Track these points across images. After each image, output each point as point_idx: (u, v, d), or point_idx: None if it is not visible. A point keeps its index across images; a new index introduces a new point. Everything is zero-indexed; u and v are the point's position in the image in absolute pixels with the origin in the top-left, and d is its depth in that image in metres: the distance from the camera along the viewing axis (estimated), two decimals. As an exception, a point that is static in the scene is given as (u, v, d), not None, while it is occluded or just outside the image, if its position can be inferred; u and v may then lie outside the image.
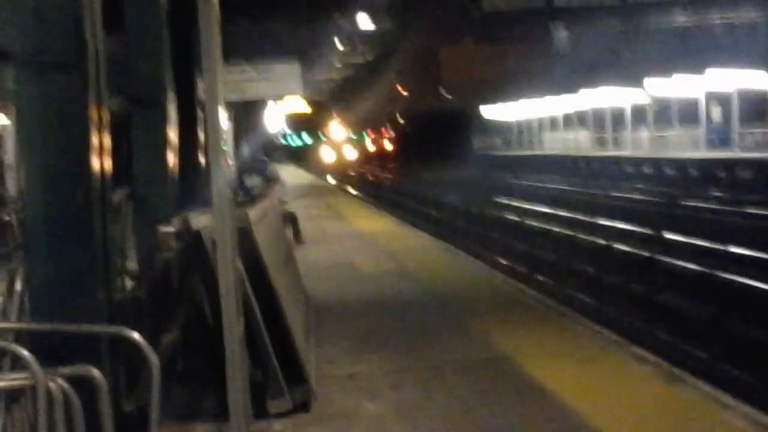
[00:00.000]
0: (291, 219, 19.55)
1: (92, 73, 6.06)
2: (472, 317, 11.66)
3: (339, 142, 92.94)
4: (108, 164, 6.27)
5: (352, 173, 71.68)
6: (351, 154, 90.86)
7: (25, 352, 4.93)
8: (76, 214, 5.90)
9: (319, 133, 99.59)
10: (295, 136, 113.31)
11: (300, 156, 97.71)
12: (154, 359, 5.26)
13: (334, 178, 64.85)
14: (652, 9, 45.06)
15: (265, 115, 35.95)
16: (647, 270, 18.88)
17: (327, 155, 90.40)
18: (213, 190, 5.74)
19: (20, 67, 6.02)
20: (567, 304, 13.94)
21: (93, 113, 6.05)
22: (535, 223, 28.61)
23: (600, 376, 8.67)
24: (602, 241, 22.76)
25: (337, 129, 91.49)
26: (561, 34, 40.62)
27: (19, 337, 5.48)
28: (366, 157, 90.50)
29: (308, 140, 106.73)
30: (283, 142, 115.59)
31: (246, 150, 31.06)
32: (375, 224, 25.17)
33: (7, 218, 8.46)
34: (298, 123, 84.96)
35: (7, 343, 5.23)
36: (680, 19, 43.88)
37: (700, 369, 11.14)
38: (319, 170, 72.42)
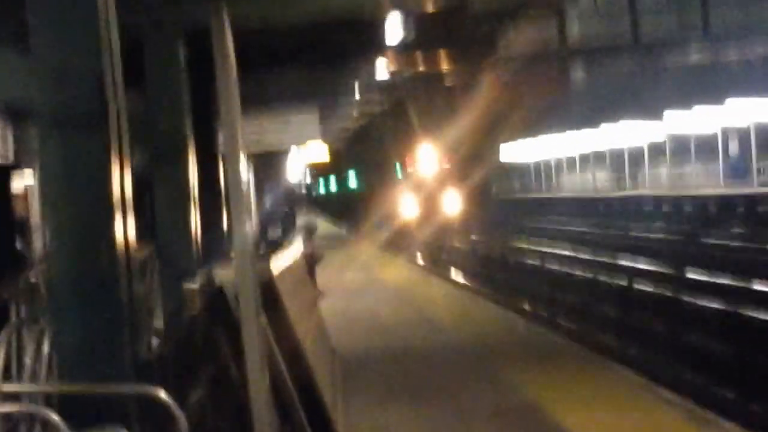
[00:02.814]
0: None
1: (114, 130, 6.07)
2: (496, 365, 11.58)
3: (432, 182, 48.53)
4: (132, 222, 6.25)
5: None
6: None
7: (54, 416, 4.90)
8: (101, 274, 5.88)
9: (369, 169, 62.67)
10: (322, 184, 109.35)
11: (327, 205, 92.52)
12: (182, 418, 5.22)
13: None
14: (665, 47, 45.16)
15: (288, 165, 36.02)
16: (669, 308, 18.71)
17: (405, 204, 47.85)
18: (235, 245, 5.71)
19: (43, 125, 6.04)
20: (591, 348, 13.82)
21: (116, 171, 6.04)
22: (555, 267, 28.46)
23: (630, 421, 8.58)
24: (623, 282, 22.57)
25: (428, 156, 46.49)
26: (578, 74, 40.73)
27: (49, 399, 5.45)
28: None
29: (335, 185, 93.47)
30: (305, 191, 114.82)
31: (268, 201, 31.13)
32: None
33: (33, 280, 8.40)
34: (324, 168, 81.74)
35: (36, 407, 5.20)
36: (695, 56, 43.97)
37: (727, 407, 10.98)
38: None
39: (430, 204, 44.81)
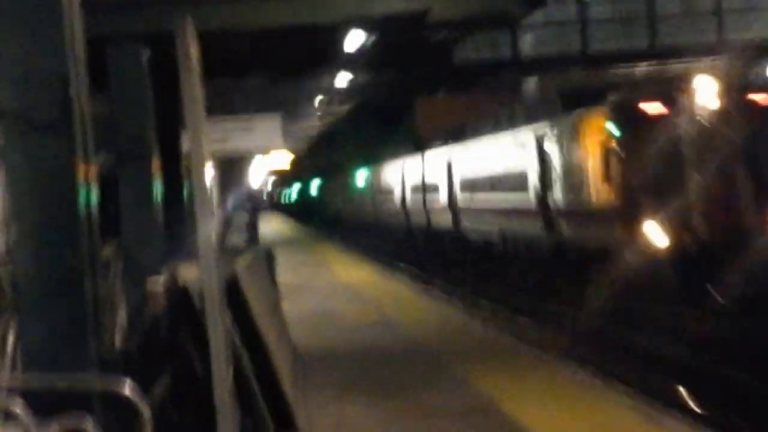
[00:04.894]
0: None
1: (79, 131, 6.00)
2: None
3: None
4: (96, 220, 6.17)
5: None
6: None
7: (18, 407, 4.81)
8: (66, 271, 5.81)
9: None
10: (285, 190, 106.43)
11: (290, 210, 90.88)
12: (146, 411, 5.14)
13: None
14: (614, 60, 45.47)
15: (251, 170, 35.94)
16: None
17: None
18: (198, 244, 5.64)
19: (8, 127, 5.95)
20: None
21: (80, 171, 5.97)
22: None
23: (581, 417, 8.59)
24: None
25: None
26: (529, 82, 40.99)
27: (12, 391, 5.35)
28: None
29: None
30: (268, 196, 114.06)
31: (231, 204, 30.99)
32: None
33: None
34: (286, 175, 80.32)
35: (1, 399, 5.10)
36: (643, 68, 44.33)
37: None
38: None
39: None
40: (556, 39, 46.50)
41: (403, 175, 42.80)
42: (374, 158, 51.94)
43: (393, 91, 42.77)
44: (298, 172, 79.31)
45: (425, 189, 37.86)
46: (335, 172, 66.27)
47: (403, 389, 10.21)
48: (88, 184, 6.06)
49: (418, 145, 41.24)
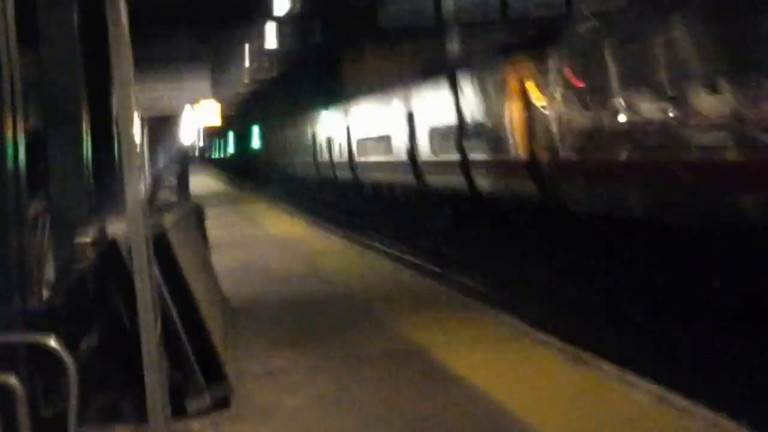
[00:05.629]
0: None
1: (6, 89, 5.85)
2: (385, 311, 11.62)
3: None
4: (24, 177, 6.06)
5: None
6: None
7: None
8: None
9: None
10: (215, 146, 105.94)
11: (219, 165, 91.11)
12: (71, 364, 5.07)
13: None
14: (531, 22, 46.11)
15: (181, 127, 35.54)
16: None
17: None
18: (127, 199, 5.57)
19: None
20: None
21: (7, 129, 5.83)
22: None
23: (509, 360, 8.67)
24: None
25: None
26: (453, 45, 41.09)
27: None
28: None
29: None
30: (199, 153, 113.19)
31: (162, 160, 30.67)
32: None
33: None
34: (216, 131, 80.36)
35: None
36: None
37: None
38: None
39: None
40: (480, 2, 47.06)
41: (314, 131, 44.51)
42: (288, 117, 53.44)
43: (320, 51, 42.68)
44: (227, 127, 79.30)
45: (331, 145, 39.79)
46: (261, 127, 66.81)
47: (332, 338, 10.24)
48: (15, 141, 5.94)
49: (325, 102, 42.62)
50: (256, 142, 72.69)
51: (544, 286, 16.28)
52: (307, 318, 11.64)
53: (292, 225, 26.60)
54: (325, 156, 40.84)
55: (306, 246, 20.14)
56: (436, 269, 19.04)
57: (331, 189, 41.01)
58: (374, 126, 31.31)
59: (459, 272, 18.54)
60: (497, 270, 18.36)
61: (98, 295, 6.88)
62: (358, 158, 34.24)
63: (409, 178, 26.71)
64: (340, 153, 37.44)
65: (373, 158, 31.67)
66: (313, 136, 44.20)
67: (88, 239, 7.13)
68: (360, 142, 33.98)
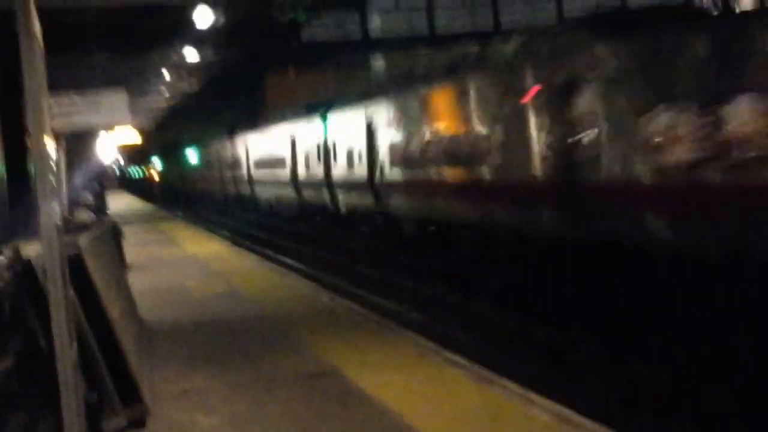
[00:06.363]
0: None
1: None
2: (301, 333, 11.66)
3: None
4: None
5: None
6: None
7: None
8: None
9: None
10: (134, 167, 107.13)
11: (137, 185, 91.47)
12: (-13, 387, 5.06)
13: None
14: (459, 41, 46.55)
15: (99, 146, 35.22)
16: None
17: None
18: (41, 218, 5.55)
19: None
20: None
21: None
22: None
23: (418, 380, 8.79)
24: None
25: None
26: (378, 61, 41.33)
27: None
28: None
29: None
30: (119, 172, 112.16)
31: (79, 180, 30.33)
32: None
33: None
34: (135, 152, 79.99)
35: None
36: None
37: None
38: None
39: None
40: (406, 21, 47.48)
41: (220, 153, 50.23)
42: (199, 138, 58.51)
43: (243, 68, 42.57)
44: (148, 148, 78.44)
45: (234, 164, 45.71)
46: (178, 149, 68.34)
47: (248, 359, 10.27)
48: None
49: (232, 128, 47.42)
50: (172, 162, 73.24)
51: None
52: (223, 339, 11.64)
53: (214, 245, 26.48)
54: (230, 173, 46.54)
55: (226, 267, 20.07)
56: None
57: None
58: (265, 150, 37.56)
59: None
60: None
61: (13, 316, 6.83)
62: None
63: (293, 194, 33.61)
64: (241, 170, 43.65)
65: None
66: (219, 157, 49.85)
67: (2, 258, 7.07)
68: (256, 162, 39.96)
